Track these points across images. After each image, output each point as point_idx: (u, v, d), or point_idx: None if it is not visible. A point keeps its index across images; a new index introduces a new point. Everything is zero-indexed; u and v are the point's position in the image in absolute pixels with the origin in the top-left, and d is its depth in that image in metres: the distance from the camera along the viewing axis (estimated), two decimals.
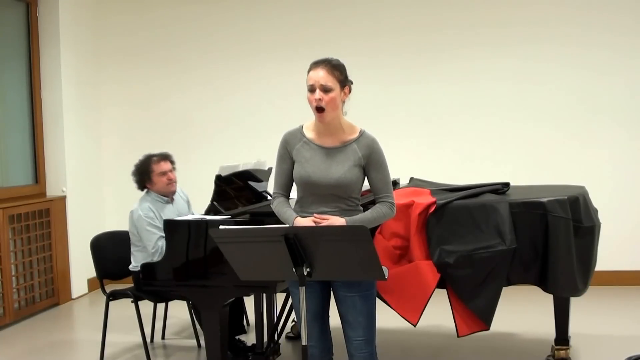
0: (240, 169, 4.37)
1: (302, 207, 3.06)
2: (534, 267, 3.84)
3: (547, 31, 6.19)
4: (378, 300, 3.15)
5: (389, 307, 3.83)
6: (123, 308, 4.73)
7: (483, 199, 3.98)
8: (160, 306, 4.93)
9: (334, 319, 3.10)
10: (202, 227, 3.76)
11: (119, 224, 5.16)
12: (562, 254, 3.75)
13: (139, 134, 6.81)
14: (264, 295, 3.99)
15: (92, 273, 4.73)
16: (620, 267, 6.04)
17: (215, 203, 4.01)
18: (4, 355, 4.80)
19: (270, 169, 4.68)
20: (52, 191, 6.33)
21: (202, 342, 4.49)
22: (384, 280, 2.77)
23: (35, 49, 6.27)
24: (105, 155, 6.96)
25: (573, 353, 4.20)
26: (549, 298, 4.03)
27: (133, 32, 6.89)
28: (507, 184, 4.24)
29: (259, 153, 4.94)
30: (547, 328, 4.32)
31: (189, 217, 4.18)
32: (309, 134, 3.08)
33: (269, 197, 4.55)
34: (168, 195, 4.44)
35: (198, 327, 4.67)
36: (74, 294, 6.38)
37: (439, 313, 4.27)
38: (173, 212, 4.42)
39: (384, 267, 2.74)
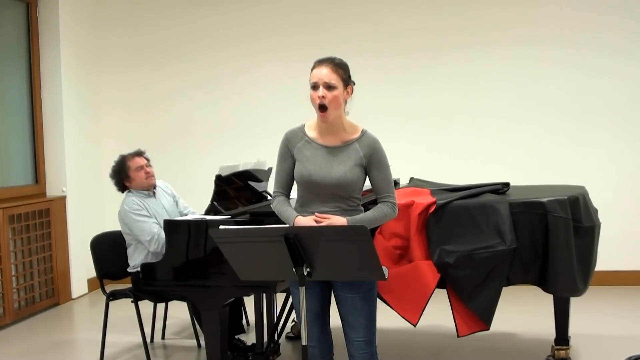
0: (240, 169, 4.38)
1: (303, 207, 3.05)
2: (534, 267, 3.84)
3: (548, 32, 6.19)
4: (378, 301, 3.15)
5: (389, 307, 3.83)
6: (123, 308, 4.73)
7: (483, 199, 3.98)
8: (160, 306, 4.93)
9: (335, 319, 3.10)
10: (202, 227, 3.76)
11: (119, 224, 5.16)
12: (562, 254, 3.75)
13: (139, 134, 6.81)
14: (264, 295, 3.99)
15: (92, 273, 4.73)
16: (620, 267, 6.04)
17: (215, 203, 4.01)
18: (4, 355, 4.80)
19: (270, 169, 4.68)
20: (52, 191, 6.33)
21: (202, 342, 4.49)
22: (384, 280, 2.77)
23: (35, 49, 6.27)
24: (105, 156, 6.91)
25: (573, 353, 4.20)
26: (549, 298, 4.03)
27: (133, 31, 6.89)
28: (507, 184, 4.24)
29: (259, 154, 4.94)
30: (547, 328, 4.32)
31: (189, 217, 4.18)
32: (311, 132, 3.07)
33: (269, 197, 4.55)
34: (149, 189, 4.45)
35: (198, 327, 4.67)
36: (74, 294, 6.38)
37: (439, 313, 4.27)
38: (157, 204, 4.42)
39: (384, 267, 2.74)
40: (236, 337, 4.48)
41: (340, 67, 2.98)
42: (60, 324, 5.70)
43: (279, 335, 4.38)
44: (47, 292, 6.05)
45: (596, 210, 4.09)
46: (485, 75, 6.33)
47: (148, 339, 4.72)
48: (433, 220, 3.84)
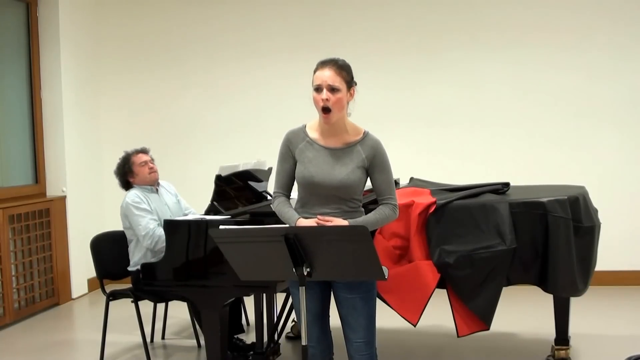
0: (240, 169, 4.38)
1: (303, 208, 3.05)
2: (534, 267, 3.84)
3: (548, 35, 6.20)
4: (378, 301, 3.15)
5: (389, 307, 3.83)
6: (123, 308, 4.73)
7: (483, 199, 3.98)
8: (160, 306, 4.93)
9: (335, 320, 3.10)
10: (202, 227, 3.76)
11: (119, 224, 5.15)
12: (562, 254, 3.75)
13: (138, 134, 6.79)
14: (264, 295, 3.99)
15: (92, 273, 4.73)
16: (620, 267, 6.04)
17: (215, 203, 4.01)
18: (4, 355, 4.80)
19: (270, 169, 4.68)
20: (52, 191, 6.33)
21: (202, 342, 4.48)
22: (384, 280, 2.77)
23: (35, 49, 6.27)
24: (105, 155, 6.94)
25: (573, 353, 4.20)
26: (549, 298, 4.03)
27: (133, 32, 6.88)
28: (507, 184, 4.24)
29: (260, 156, 4.94)
30: (547, 328, 4.32)
31: (189, 217, 4.18)
32: (313, 134, 3.07)
33: (269, 197, 4.55)
34: (152, 184, 4.49)
35: (198, 327, 4.67)
36: (74, 294, 6.38)
37: (439, 313, 4.27)
38: (160, 201, 4.45)
39: (384, 267, 2.74)
40: (236, 336, 4.49)
41: (344, 69, 2.97)
42: (60, 324, 5.70)
43: (279, 335, 4.38)
44: (47, 292, 6.05)
45: (596, 210, 4.09)
46: (485, 77, 6.33)
47: (148, 339, 4.72)
48: (433, 220, 3.84)
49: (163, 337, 5.02)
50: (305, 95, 3.02)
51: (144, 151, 4.56)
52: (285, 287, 3.86)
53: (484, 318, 3.80)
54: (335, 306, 3.05)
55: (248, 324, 5.04)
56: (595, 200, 4.18)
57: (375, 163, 3.01)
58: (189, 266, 3.80)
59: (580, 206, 3.88)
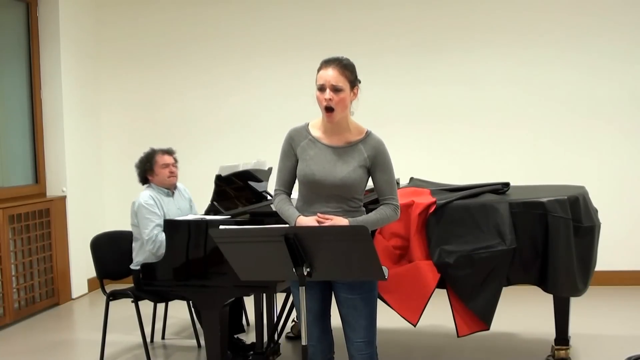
0: (240, 169, 4.38)
1: (304, 206, 3.04)
2: (534, 267, 3.84)
3: (549, 34, 6.20)
4: (378, 301, 3.15)
5: (389, 307, 3.83)
6: (123, 308, 4.73)
7: (483, 199, 3.98)
8: (160, 306, 4.93)
9: (335, 319, 3.10)
10: (202, 227, 3.76)
11: (119, 224, 5.16)
12: (562, 254, 3.75)
13: (139, 134, 6.81)
14: (264, 295, 3.99)
15: (92, 273, 4.73)
16: (620, 267, 6.04)
17: (215, 203, 4.01)
18: (4, 355, 4.80)
19: (270, 169, 4.68)
20: (52, 191, 6.33)
21: (202, 342, 4.49)
22: (384, 280, 2.77)
23: (35, 49, 6.27)
24: (106, 155, 6.96)
25: (573, 353, 4.21)
26: (549, 298, 4.03)
27: (133, 31, 6.89)
28: (507, 184, 4.24)
29: (260, 156, 4.94)
30: (547, 328, 4.32)
31: (189, 217, 4.18)
32: (315, 132, 3.06)
33: (268, 197, 4.55)
34: (169, 188, 4.46)
35: (198, 327, 4.68)
36: (74, 294, 6.38)
37: (439, 313, 4.27)
38: (173, 205, 4.44)
39: (384, 267, 2.74)
40: (236, 336, 4.49)
41: (347, 69, 2.96)
42: (60, 324, 5.70)
43: (279, 335, 4.38)
44: (47, 292, 6.05)
45: (596, 210, 4.09)
46: (485, 77, 6.33)
47: (148, 339, 4.72)
48: (433, 220, 3.84)
49: (163, 337, 5.02)
50: (306, 95, 3.03)
51: (169, 152, 4.52)
52: (286, 287, 3.86)
53: (484, 318, 3.80)
54: (336, 306, 3.05)
55: (248, 323, 5.03)
56: (595, 200, 4.18)
57: (377, 162, 3.00)
58: (189, 266, 3.80)
59: (580, 206, 3.88)
